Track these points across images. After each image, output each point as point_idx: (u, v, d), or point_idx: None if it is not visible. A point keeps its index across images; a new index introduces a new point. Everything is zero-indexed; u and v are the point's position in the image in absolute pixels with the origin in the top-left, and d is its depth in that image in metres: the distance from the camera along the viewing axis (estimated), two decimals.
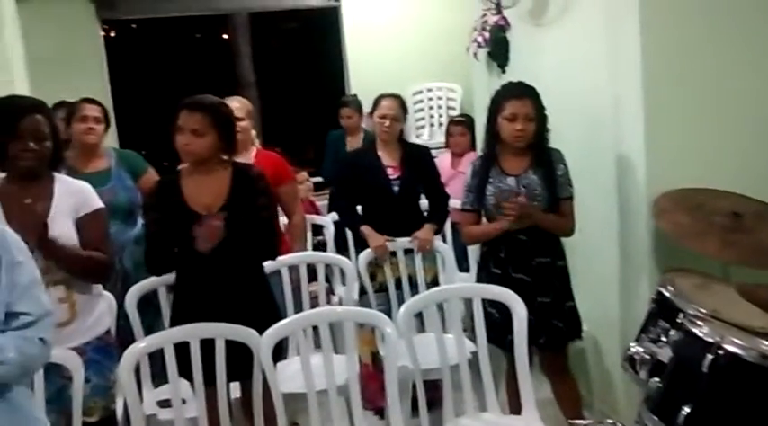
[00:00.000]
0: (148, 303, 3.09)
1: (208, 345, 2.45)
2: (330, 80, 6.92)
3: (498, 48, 3.96)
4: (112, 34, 7.24)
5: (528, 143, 2.78)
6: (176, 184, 2.62)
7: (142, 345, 2.38)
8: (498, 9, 3.86)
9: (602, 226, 3.14)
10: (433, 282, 3.54)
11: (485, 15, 3.97)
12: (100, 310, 2.55)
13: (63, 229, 2.37)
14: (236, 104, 3.31)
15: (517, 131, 2.74)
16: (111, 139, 5.36)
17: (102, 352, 2.49)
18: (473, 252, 4.18)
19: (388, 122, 3.49)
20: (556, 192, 2.79)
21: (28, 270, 1.81)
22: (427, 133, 6.02)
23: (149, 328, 3.03)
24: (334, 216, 4.35)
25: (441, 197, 3.64)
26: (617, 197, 3.08)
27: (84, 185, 2.53)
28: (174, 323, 2.61)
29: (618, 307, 3.13)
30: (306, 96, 8.76)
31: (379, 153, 3.54)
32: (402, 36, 6.09)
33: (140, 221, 3.49)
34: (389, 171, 3.49)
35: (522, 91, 2.77)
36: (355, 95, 5.35)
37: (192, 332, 2.43)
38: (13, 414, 1.76)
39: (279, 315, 2.75)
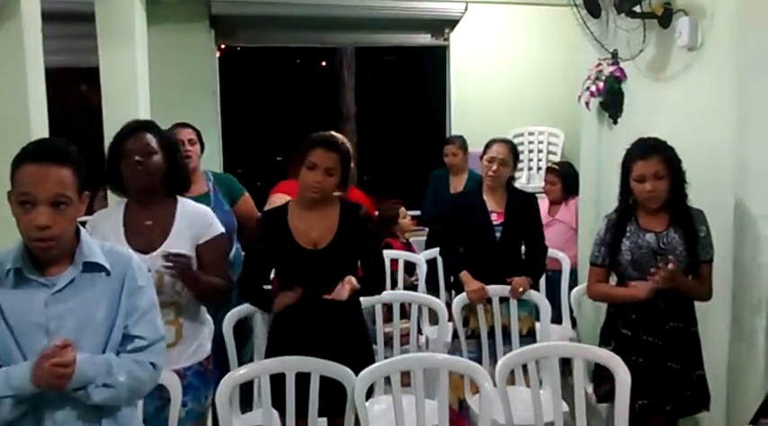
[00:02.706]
0: (239, 324, 3.14)
1: (302, 378, 2.46)
2: (431, 118, 6.94)
3: (612, 100, 3.88)
4: (223, 60, 7.51)
5: (663, 202, 2.69)
6: (284, 218, 2.63)
7: (240, 373, 2.41)
8: (615, 60, 3.79)
9: (716, 290, 2.99)
10: (528, 333, 3.46)
11: (600, 65, 3.91)
12: (203, 336, 2.58)
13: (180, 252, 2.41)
14: None
15: (647, 192, 2.66)
16: (215, 161, 5.58)
17: (201, 378, 2.52)
18: (565, 301, 4.09)
19: (495, 167, 3.45)
20: (697, 254, 2.69)
21: (148, 295, 1.87)
22: (525, 177, 5.93)
23: (237, 349, 3.08)
24: (428, 254, 4.35)
25: (540, 249, 3.57)
26: (732, 262, 2.94)
27: (206, 210, 2.56)
28: (269, 353, 2.63)
29: (725, 380, 2.97)
30: (405, 132, 8.82)
31: (485, 197, 3.51)
32: (507, 78, 6.06)
33: (236, 245, 3.55)
34: (493, 216, 3.45)
35: (648, 149, 2.68)
36: (461, 136, 5.32)
37: (289, 365, 2.45)
38: None
39: (372, 353, 2.75)
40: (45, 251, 1.75)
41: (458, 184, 5.12)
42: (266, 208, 3.22)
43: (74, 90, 6.33)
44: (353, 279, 2.50)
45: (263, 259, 2.65)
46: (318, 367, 2.44)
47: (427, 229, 5.30)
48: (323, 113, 8.04)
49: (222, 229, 2.56)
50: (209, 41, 5.72)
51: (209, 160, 4.37)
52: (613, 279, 2.87)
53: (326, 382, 2.44)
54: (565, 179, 4.68)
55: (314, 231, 2.58)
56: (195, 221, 2.48)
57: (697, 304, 2.87)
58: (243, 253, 3.56)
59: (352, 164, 3.35)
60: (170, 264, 2.33)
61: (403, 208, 4.84)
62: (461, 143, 5.21)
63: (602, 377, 2.72)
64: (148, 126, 2.52)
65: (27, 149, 1.77)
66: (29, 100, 2.40)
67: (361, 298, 2.73)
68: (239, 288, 2.71)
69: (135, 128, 2.48)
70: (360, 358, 2.59)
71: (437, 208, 4.92)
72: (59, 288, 1.76)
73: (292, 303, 2.51)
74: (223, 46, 6.05)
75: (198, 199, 3.44)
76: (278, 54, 8.06)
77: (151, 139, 2.45)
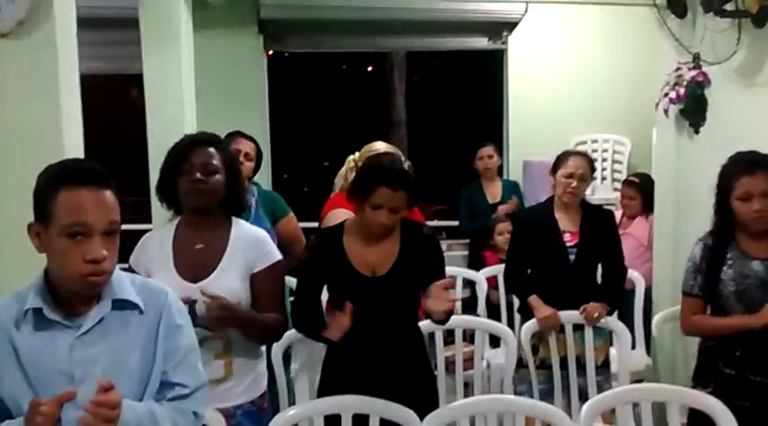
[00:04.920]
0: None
1: (359, 420, 2.20)
2: (486, 125, 6.66)
3: (694, 107, 3.53)
4: (272, 66, 7.37)
5: None
6: (339, 240, 2.36)
7: (291, 414, 2.16)
8: (697, 63, 3.46)
9: None
10: (604, 364, 3.15)
11: (680, 69, 3.57)
12: (257, 372, 2.33)
13: (230, 282, 2.17)
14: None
15: (754, 212, 2.33)
16: (264, 168, 5.38)
17: (253, 418, 2.27)
18: (638, 324, 3.78)
19: (574, 183, 3.12)
20: None
21: (186, 335, 1.65)
22: (589, 188, 5.58)
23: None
24: (488, 272, 4.06)
25: (618, 272, 3.25)
26: None
27: (263, 235, 2.32)
28: (323, 388, 2.39)
29: None
30: (458, 140, 8.56)
31: (557, 215, 3.19)
32: (569, 82, 5.73)
33: None
34: (566, 236, 3.14)
35: (754, 164, 2.35)
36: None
37: (346, 405, 2.19)
38: None
39: (436, 388, 2.50)
40: (95, 287, 1.53)
41: (494, 191, 4.91)
42: (323, 224, 2.96)
43: (117, 97, 6.25)
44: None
45: (318, 284, 2.40)
46: (378, 408, 2.18)
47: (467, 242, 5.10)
48: (372, 119, 7.84)
49: (280, 256, 2.32)
50: (257, 47, 5.55)
51: None
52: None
53: (388, 424, 2.18)
54: (645, 193, 4.32)
55: (372, 256, 2.32)
56: (251, 246, 2.24)
57: None
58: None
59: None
60: (214, 313, 2.08)
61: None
62: (496, 147, 5.04)
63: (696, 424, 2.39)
64: (213, 141, 2.29)
65: (65, 170, 1.54)
66: (61, 110, 2.20)
67: (421, 323, 2.48)
68: (293, 320, 2.45)
69: (199, 142, 2.26)
70: (423, 393, 2.35)
71: (476, 222, 4.77)
72: (86, 329, 1.54)
73: (348, 326, 2.23)
74: (272, 51, 5.87)
75: None
76: (327, 59, 7.92)
77: (215, 156, 2.23)
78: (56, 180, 1.51)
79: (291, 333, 2.81)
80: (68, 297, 1.55)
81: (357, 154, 3.20)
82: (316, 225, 3.25)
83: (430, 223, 6.03)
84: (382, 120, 7.76)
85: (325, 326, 2.32)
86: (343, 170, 3.23)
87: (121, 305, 1.58)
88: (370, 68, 8.75)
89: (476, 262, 4.63)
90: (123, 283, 1.60)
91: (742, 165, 2.37)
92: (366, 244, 2.33)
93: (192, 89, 3.99)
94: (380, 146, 3.10)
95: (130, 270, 2.22)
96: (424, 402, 2.28)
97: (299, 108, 8.49)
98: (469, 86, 8.14)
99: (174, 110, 3.75)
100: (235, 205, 2.30)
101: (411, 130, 8.15)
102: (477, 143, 5.16)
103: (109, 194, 1.53)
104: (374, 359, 2.31)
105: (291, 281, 2.71)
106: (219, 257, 2.19)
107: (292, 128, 7.92)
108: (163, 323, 1.60)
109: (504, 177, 5.47)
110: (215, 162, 2.22)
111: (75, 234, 1.48)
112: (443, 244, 4.35)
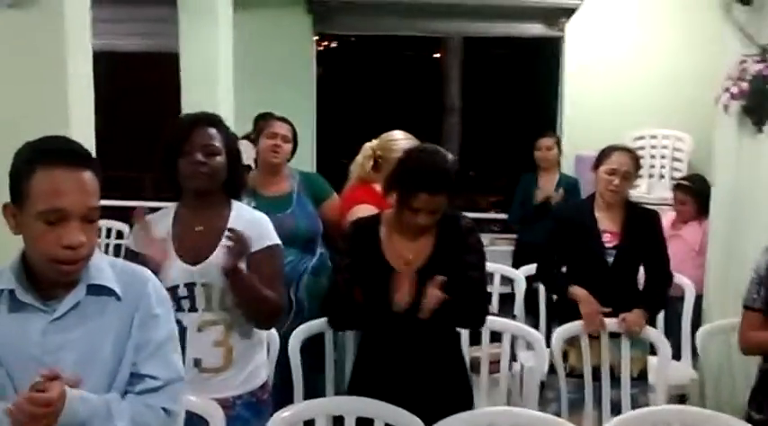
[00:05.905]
0: (315, 345, 2.78)
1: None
2: (540, 115, 6.43)
3: (758, 103, 3.27)
4: (319, 48, 7.29)
5: None
6: (375, 231, 2.25)
7: (286, 414, 2.03)
8: (764, 56, 3.19)
9: None
10: (640, 376, 2.94)
11: (744, 62, 3.31)
12: (258, 361, 2.24)
13: None
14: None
15: None
16: (308, 153, 5.29)
17: (253, 410, 2.18)
18: (686, 333, 3.55)
19: (617, 180, 2.91)
20: None
21: (163, 325, 1.54)
22: (645, 186, 5.30)
23: (310, 368, 2.71)
24: (527, 270, 3.86)
25: (662, 277, 3.02)
26: None
27: (262, 218, 2.25)
28: (353, 386, 2.28)
29: None
30: (512, 128, 8.33)
31: (597, 213, 2.98)
32: (629, 74, 5.47)
33: (319, 250, 3.22)
34: (606, 236, 2.93)
35: None
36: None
37: (349, 407, 2.07)
38: None
39: (470, 388, 2.35)
40: (70, 275, 1.45)
41: (548, 185, 4.71)
42: (347, 220, 2.83)
43: (152, 75, 6.28)
44: (437, 291, 2.10)
45: (353, 274, 2.26)
46: (383, 412, 2.04)
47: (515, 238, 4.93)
48: (425, 105, 7.68)
49: (278, 241, 2.23)
50: (305, 28, 5.46)
51: (302, 151, 4.03)
52: None
53: None
54: (698, 197, 4.05)
55: (407, 249, 2.20)
56: (249, 229, 2.14)
57: None
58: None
59: None
60: (230, 243, 2.01)
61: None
62: (557, 139, 4.87)
63: None
64: (214, 121, 2.21)
65: (41, 149, 1.44)
66: (68, 84, 2.12)
67: None
68: (325, 312, 2.35)
69: (200, 121, 2.18)
70: (456, 393, 2.24)
71: (524, 211, 4.70)
72: (59, 314, 1.45)
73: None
74: (320, 34, 5.77)
75: (280, 198, 3.16)
76: (378, 42, 7.77)
77: (216, 137, 2.15)
78: (31, 159, 1.42)
79: (316, 323, 2.73)
80: (44, 279, 1.47)
81: (375, 141, 3.09)
82: None
83: (484, 215, 5.89)
84: (435, 107, 7.57)
85: (363, 311, 2.23)
86: (359, 158, 3.12)
87: (98, 290, 1.49)
88: (427, 54, 8.56)
89: (521, 258, 4.45)
90: (102, 268, 1.51)
91: None
92: (402, 236, 2.22)
93: (230, 68, 3.92)
94: (400, 136, 3.00)
95: (131, 252, 2.16)
96: (459, 401, 2.17)
97: (348, 92, 8.37)
98: (527, 76, 7.90)
99: (209, 88, 3.68)
100: (235, 187, 2.24)
101: (465, 118, 7.94)
102: (531, 133, 4.97)
103: (88, 176, 1.44)
104: (407, 358, 2.20)
105: None
106: (219, 239, 2.11)
107: (341, 113, 7.80)
108: (139, 312, 1.51)
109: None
110: (216, 143, 2.14)
111: (51, 220, 1.39)
112: (485, 239, 4.18)
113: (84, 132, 2.17)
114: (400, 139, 2.94)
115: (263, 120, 3.29)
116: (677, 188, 4.26)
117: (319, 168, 5.71)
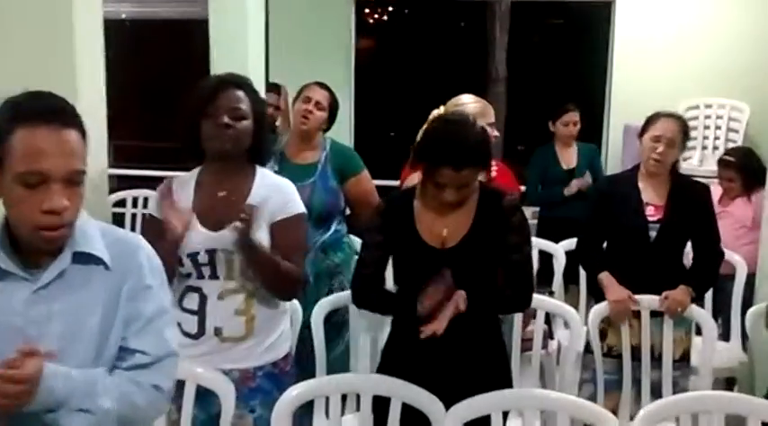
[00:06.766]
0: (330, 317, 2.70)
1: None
2: (588, 84, 6.17)
3: None
4: (370, 20, 7.11)
5: None
6: (409, 206, 2.11)
7: (298, 392, 1.95)
8: None
9: None
10: (682, 357, 2.77)
11: None
12: (281, 331, 2.16)
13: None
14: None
15: None
16: (345, 127, 5.15)
17: (275, 381, 2.10)
18: (736, 314, 3.35)
19: (661, 148, 2.71)
20: None
21: (155, 298, 1.45)
22: (697, 158, 5.05)
23: (330, 341, 2.68)
24: (567, 245, 3.69)
25: (711, 254, 2.83)
26: None
27: (287, 184, 2.16)
28: (384, 367, 2.16)
29: None
30: (560, 99, 8.06)
31: (640, 184, 2.79)
32: (682, 40, 5.19)
33: (334, 227, 3.09)
34: (649, 210, 2.74)
35: None
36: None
37: (364, 385, 1.98)
38: None
39: (509, 368, 2.24)
40: (54, 242, 1.36)
41: (569, 157, 4.48)
42: (404, 186, 2.70)
43: (180, 43, 6.22)
44: (462, 300, 1.98)
45: (384, 253, 2.14)
46: (400, 391, 1.94)
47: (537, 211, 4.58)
48: (468, 74, 7.44)
49: (303, 209, 2.14)
50: None
51: (338, 124, 3.88)
52: None
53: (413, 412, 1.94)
54: (744, 171, 3.82)
55: (443, 225, 2.04)
56: (273, 195, 2.08)
57: None
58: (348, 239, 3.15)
59: (497, 133, 2.77)
60: (246, 216, 1.94)
61: None
62: (579, 112, 4.61)
63: None
64: (242, 83, 2.12)
65: (22, 106, 1.34)
66: (76, 56, 2.03)
67: None
68: (353, 292, 2.25)
69: (227, 83, 2.09)
70: (496, 374, 2.11)
71: (549, 191, 4.41)
72: (43, 284, 1.37)
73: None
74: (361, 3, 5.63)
75: (305, 167, 3.05)
76: (421, 7, 7.55)
77: (244, 100, 2.07)
78: (11, 117, 1.33)
79: (339, 296, 2.66)
80: (27, 247, 1.39)
81: (443, 108, 2.89)
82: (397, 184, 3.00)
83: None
84: (479, 76, 7.33)
85: (392, 300, 2.15)
86: (426, 126, 2.95)
87: (85, 259, 1.40)
88: (471, 20, 8.30)
89: (546, 233, 4.25)
90: (90, 235, 1.42)
91: None
92: (437, 212, 2.07)
93: (261, 35, 3.80)
94: (468, 100, 2.80)
95: (153, 218, 2.10)
96: (498, 382, 2.05)
97: (388, 60, 8.16)
98: (578, 45, 7.59)
99: (239, 56, 3.58)
100: (260, 153, 2.15)
101: (511, 88, 7.67)
102: (582, 104, 4.72)
103: (73, 135, 1.34)
104: (442, 341, 2.01)
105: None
106: (241, 204, 2.02)
107: (380, 81, 7.61)
108: (129, 283, 1.42)
109: (604, 142, 5.03)
110: (243, 106, 2.06)
111: (31, 183, 1.31)
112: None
113: (93, 101, 2.09)
114: (468, 103, 2.75)
115: (306, 86, 3.17)
116: (720, 163, 4.03)
117: (360, 143, 5.55)
